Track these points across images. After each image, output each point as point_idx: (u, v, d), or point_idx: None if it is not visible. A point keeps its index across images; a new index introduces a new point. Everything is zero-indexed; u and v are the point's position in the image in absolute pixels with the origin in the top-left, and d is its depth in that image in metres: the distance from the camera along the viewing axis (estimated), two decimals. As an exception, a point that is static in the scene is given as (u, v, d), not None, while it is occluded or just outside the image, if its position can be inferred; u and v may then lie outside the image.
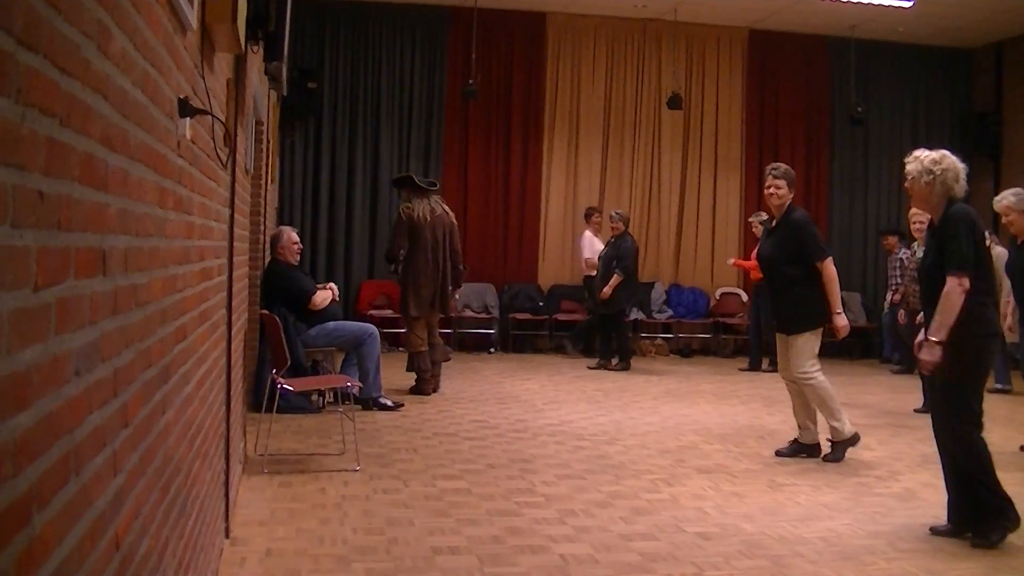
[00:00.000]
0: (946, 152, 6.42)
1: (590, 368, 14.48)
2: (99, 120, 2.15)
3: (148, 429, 2.88)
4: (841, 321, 8.54)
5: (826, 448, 8.61)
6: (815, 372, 8.49)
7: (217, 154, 4.07)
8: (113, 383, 2.37)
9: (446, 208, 11.63)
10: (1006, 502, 6.21)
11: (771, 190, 8.75)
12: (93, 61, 2.08)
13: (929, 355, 6.09)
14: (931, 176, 6.28)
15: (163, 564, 3.16)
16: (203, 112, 3.53)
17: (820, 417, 8.67)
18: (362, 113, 16.40)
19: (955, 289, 6.06)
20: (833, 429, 8.53)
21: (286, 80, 8.86)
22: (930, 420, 6.52)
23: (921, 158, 6.37)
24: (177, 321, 3.50)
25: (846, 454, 8.55)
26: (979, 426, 6.23)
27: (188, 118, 3.44)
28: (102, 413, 2.24)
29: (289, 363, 8.12)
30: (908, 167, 6.40)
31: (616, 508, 6.85)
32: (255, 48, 6.24)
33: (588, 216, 15.95)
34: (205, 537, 4.55)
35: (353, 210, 16.28)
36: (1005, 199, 8.72)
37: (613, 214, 14.86)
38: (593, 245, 15.44)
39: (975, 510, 6.25)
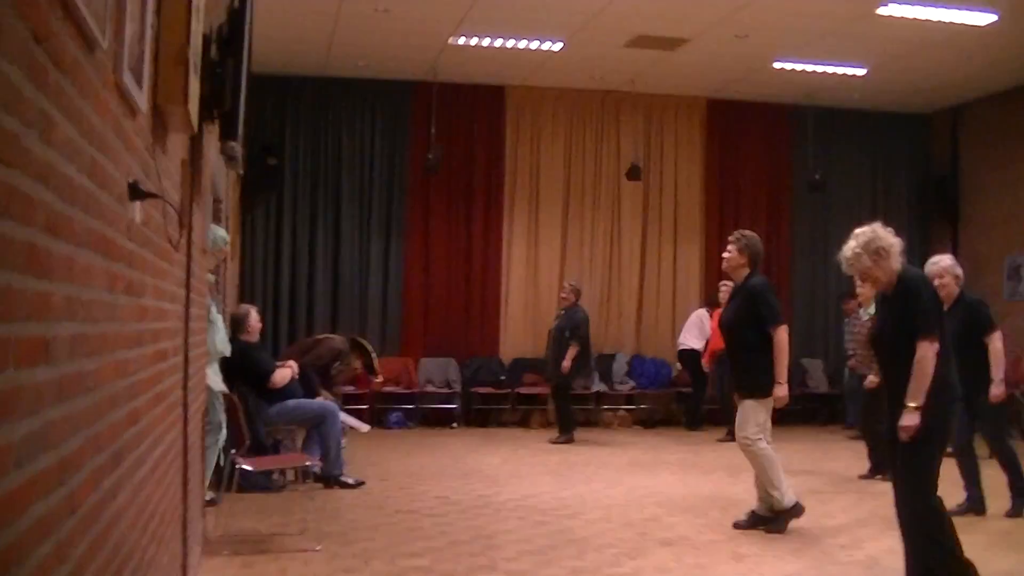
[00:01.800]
0: (875, 225, 6.51)
1: (552, 442, 14.42)
2: (42, 208, 2.15)
3: (97, 516, 2.85)
4: (780, 392, 8.51)
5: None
6: (757, 439, 8.47)
7: (168, 236, 4.06)
8: (59, 471, 2.34)
9: None
10: (968, 568, 6.22)
11: (724, 255, 8.92)
12: (34, 150, 2.08)
13: (910, 420, 6.12)
14: (876, 255, 6.35)
15: (114, 653, 3.11)
16: (153, 196, 3.53)
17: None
18: (323, 188, 16.41)
19: (928, 353, 6.14)
20: (772, 498, 8.50)
21: (244, 158, 8.86)
22: (891, 487, 6.52)
23: (851, 244, 6.46)
24: (129, 405, 3.47)
25: (788, 525, 8.47)
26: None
27: (139, 201, 3.44)
28: (47, 502, 2.21)
29: (249, 442, 8.06)
30: (848, 254, 6.46)
31: (579, 583, 6.81)
32: (210, 127, 6.25)
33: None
34: (161, 623, 4.49)
35: (315, 285, 16.25)
36: (943, 262, 8.80)
37: (566, 285, 14.91)
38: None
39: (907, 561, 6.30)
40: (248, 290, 15.75)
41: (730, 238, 8.91)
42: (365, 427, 11.80)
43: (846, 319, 14.87)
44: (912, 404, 6.11)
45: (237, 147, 6.03)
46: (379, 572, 7.02)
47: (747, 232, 9.02)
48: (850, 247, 6.43)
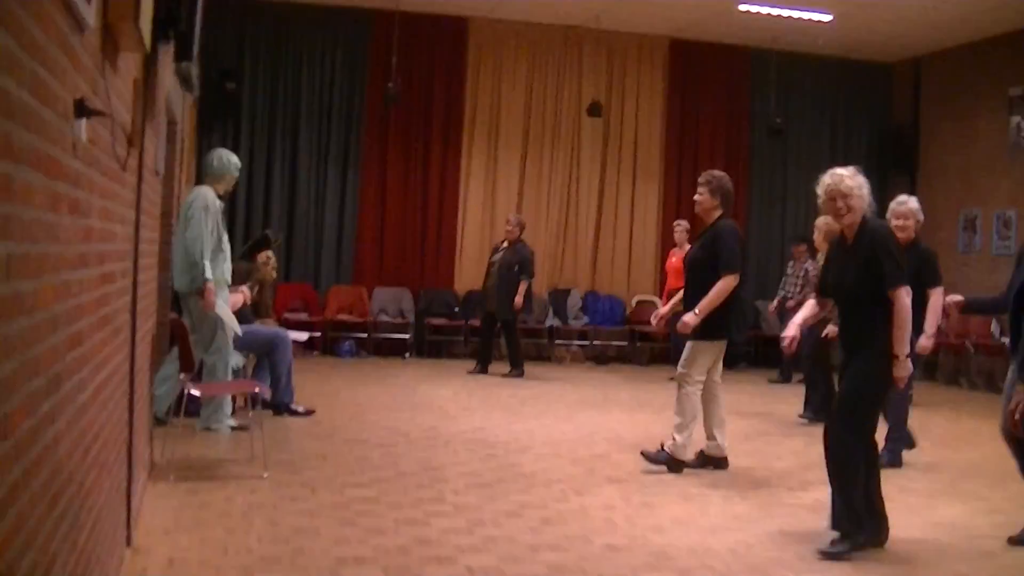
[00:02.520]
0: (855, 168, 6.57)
1: (470, 373, 14.49)
2: (-24, 123, 2.07)
3: (33, 441, 2.79)
4: (692, 319, 8.41)
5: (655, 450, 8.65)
6: (697, 380, 8.51)
7: (116, 156, 3.96)
8: (-10, 394, 2.28)
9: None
10: (863, 513, 6.30)
11: (695, 197, 8.81)
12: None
13: (904, 369, 6.19)
14: (861, 191, 6.38)
15: (51, 578, 3.07)
16: (101, 113, 3.44)
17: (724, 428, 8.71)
18: (281, 115, 16.24)
19: (906, 302, 6.21)
20: (673, 442, 8.50)
21: (200, 80, 8.74)
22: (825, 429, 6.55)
23: (846, 175, 6.44)
24: (71, 328, 3.41)
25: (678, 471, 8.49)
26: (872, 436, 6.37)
27: (84, 119, 3.35)
28: (-24, 426, 2.15)
29: (197, 368, 7.99)
30: (845, 183, 6.41)
31: (525, 518, 6.82)
32: (165, 48, 6.13)
33: None
34: (102, 547, 4.45)
35: (271, 213, 16.10)
36: (911, 203, 8.78)
37: (510, 218, 14.81)
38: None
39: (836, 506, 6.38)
40: (203, 215, 15.55)
41: (700, 180, 8.78)
42: (302, 336, 11.64)
43: (790, 262, 14.92)
44: (903, 353, 6.15)
45: (192, 68, 5.91)
46: (325, 502, 7.00)
47: (716, 173, 8.89)
48: (845, 173, 6.43)
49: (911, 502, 7.58)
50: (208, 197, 9.23)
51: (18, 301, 2.55)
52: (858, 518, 6.26)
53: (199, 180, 15.07)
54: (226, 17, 15.29)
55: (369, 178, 16.53)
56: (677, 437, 8.47)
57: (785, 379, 14.85)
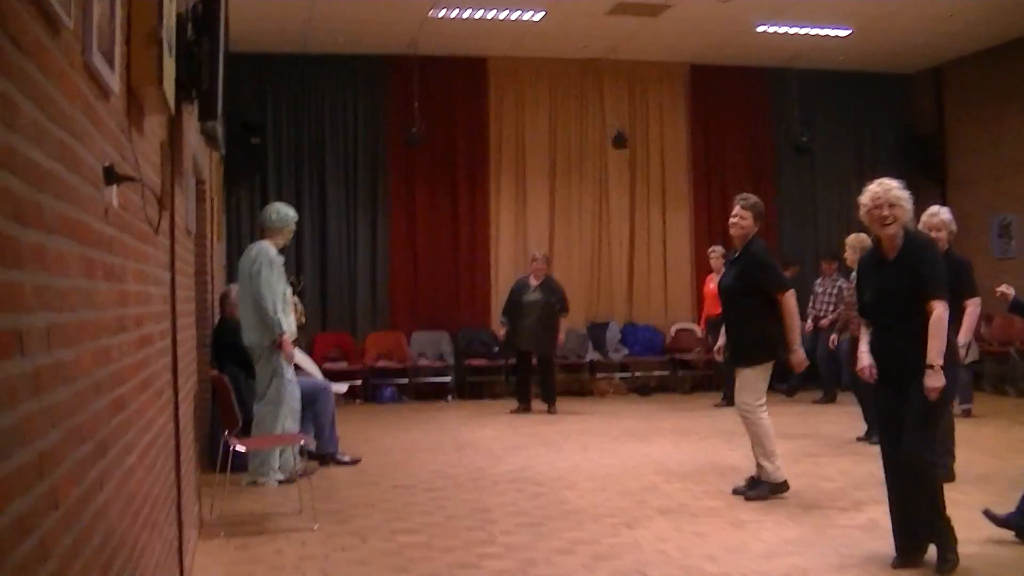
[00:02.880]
0: None
1: (514, 412, 14.46)
2: (7, 196, 2.08)
3: (83, 508, 2.79)
4: (798, 357, 8.51)
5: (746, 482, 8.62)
6: (758, 407, 8.44)
7: (148, 219, 3.99)
8: (38, 466, 2.28)
9: None
10: (949, 526, 6.23)
11: (735, 219, 8.62)
12: (-3, 135, 2.02)
13: (937, 381, 6.09)
14: (908, 203, 6.36)
15: (106, 645, 3.06)
16: (130, 179, 3.46)
17: (779, 453, 8.62)
18: (307, 165, 16.33)
19: (944, 314, 6.16)
20: (762, 469, 8.47)
21: (225, 137, 8.77)
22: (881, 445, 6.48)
23: (895, 185, 6.40)
24: (114, 392, 3.41)
25: (769, 497, 8.40)
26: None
27: (115, 185, 3.36)
28: (27, 499, 2.15)
29: (241, 423, 8.00)
30: (894, 192, 6.36)
31: (578, 555, 6.77)
32: (189, 108, 6.17)
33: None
34: (156, 610, 4.44)
35: (303, 262, 16.15)
36: (943, 214, 8.71)
37: (537, 255, 14.74)
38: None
39: (931, 534, 6.25)
40: (236, 271, 15.60)
41: (738, 202, 8.67)
42: (342, 387, 11.55)
43: (819, 279, 14.87)
44: (938, 363, 6.08)
45: (217, 127, 5.95)
46: (376, 549, 6.98)
47: (750, 195, 8.86)
48: (894, 184, 6.39)
49: (965, 516, 7.48)
50: (270, 252, 9.38)
51: (59, 370, 2.55)
52: (950, 530, 6.22)
53: (230, 236, 15.31)
54: (246, 72, 15.39)
55: (398, 222, 16.57)
56: (768, 464, 8.44)
57: (829, 399, 14.74)
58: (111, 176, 3.32)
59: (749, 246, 8.62)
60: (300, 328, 10.88)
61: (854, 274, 10.17)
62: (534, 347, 14.39)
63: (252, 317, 9.31)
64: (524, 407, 14.55)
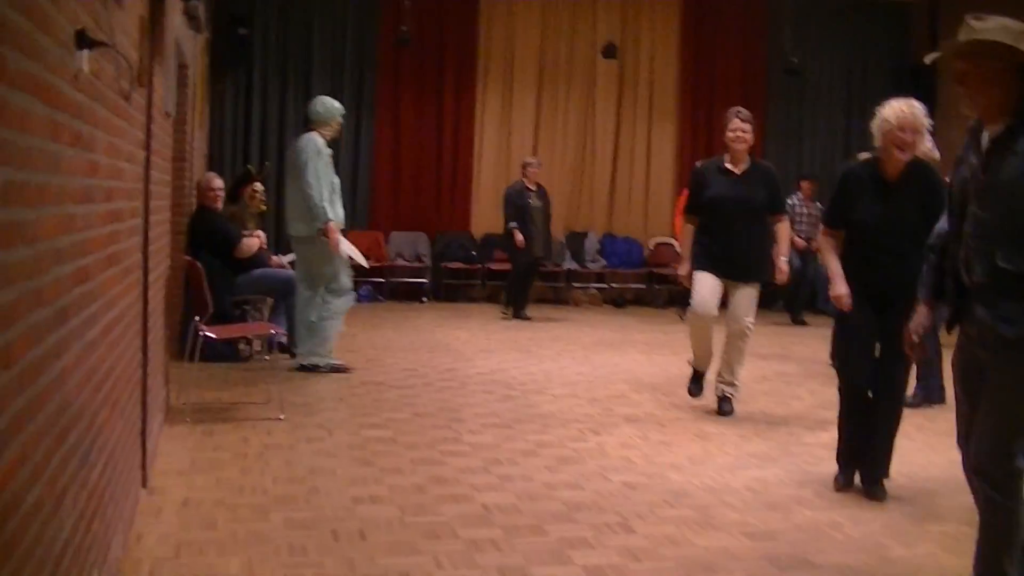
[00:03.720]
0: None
1: (506, 318, 14.45)
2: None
3: (38, 373, 2.75)
4: (783, 276, 8.45)
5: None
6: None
7: (120, 90, 3.91)
8: (-10, 321, 2.24)
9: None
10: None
11: (738, 133, 8.29)
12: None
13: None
14: (923, 126, 6.21)
15: (60, 513, 3.05)
16: (103, 44, 3.38)
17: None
18: (294, 59, 16.12)
19: None
20: (735, 377, 8.51)
21: (212, 25, 8.65)
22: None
23: (922, 109, 6.23)
24: (77, 262, 3.37)
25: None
26: None
27: (86, 50, 3.29)
28: (-26, 352, 2.11)
29: (212, 310, 7.96)
30: (920, 118, 6.18)
31: (542, 457, 6.80)
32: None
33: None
34: (116, 487, 4.43)
35: (284, 157, 15.99)
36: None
37: (534, 161, 14.65)
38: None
39: (884, 459, 6.30)
40: (217, 161, 15.52)
41: (739, 115, 8.35)
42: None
43: (797, 199, 14.91)
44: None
45: (199, 7, 5.83)
46: (342, 442, 6.99)
47: (742, 108, 8.72)
48: (920, 108, 6.20)
49: (932, 441, 7.56)
50: (318, 142, 9.49)
51: (17, 229, 2.50)
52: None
53: (213, 126, 15.17)
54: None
55: (383, 123, 16.44)
56: (738, 382, 8.52)
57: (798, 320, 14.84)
58: (83, 40, 3.24)
59: (759, 162, 8.56)
60: (260, 215, 10.88)
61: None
62: (543, 252, 14.40)
63: (297, 208, 9.53)
64: (519, 312, 14.54)
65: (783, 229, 8.52)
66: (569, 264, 16.92)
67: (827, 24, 17.67)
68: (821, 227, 6.61)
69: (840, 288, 6.20)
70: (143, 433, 5.59)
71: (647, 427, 7.84)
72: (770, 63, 17.56)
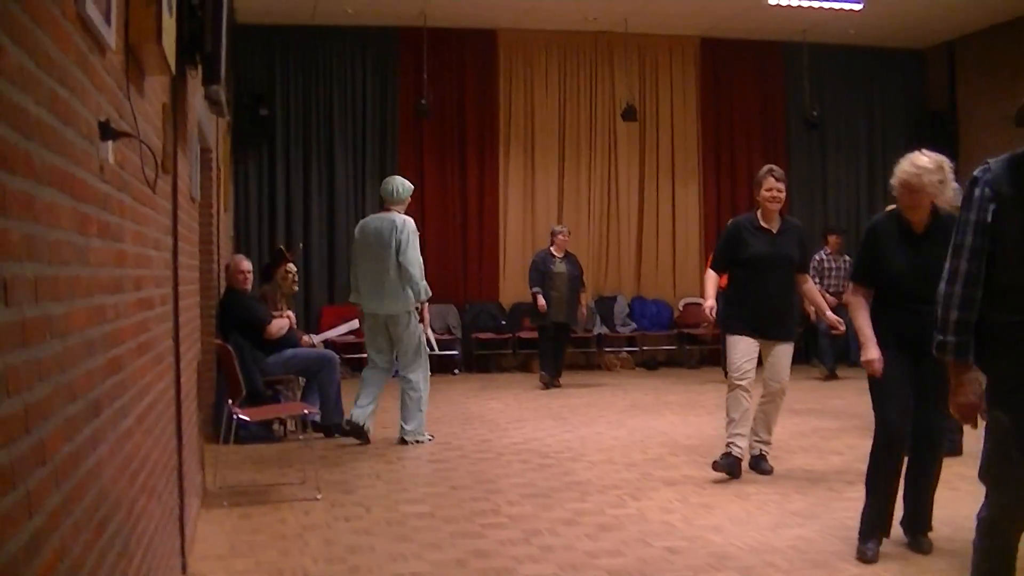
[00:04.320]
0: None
1: (545, 387, 14.32)
2: (-10, 140, 2.02)
3: (74, 467, 2.74)
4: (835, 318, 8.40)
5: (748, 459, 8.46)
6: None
7: (146, 178, 3.93)
8: (23, 418, 2.23)
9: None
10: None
11: (774, 192, 8.28)
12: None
13: None
14: (940, 185, 6.13)
15: (100, 607, 3.02)
16: (127, 135, 3.40)
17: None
18: (315, 136, 16.25)
19: None
20: (766, 441, 8.47)
21: (233, 108, 8.74)
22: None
23: (928, 169, 6.16)
24: (108, 352, 3.36)
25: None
26: None
27: (111, 141, 3.30)
28: (9, 451, 2.10)
29: (245, 392, 7.97)
30: (926, 178, 6.11)
31: (582, 526, 6.74)
32: (193, 72, 6.11)
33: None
34: (156, 575, 4.40)
35: (310, 235, 16.12)
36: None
37: (563, 229, 14.68)
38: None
39: (926, 508, 6.23)
40: (244, 242, 15.63)
41: (774, 174, 8.34)
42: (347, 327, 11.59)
43: (825, 253, 14.87)
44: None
45: (221, 91, 5.89)
46: (380, 519, 6.94)
47: (775, 166, 8.72)
48: (917, 165, 6.13)
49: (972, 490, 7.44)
50: (413, 223, 10.03)
51: (49, 324, 2.50)
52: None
53: (237, 207, 15.26)
54: (255, 43, 15.43)
55: (407, 195, 16.48)
56: (769, 437, 8.50)
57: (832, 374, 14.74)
58: (107, 132, 3.26)
59: (789, 219, 8.57)
60: (292, 296, 10.96)
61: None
62: (566, 318, 14.38)
63: (392, 285, 9.84)
64: (555, 382, 14.45)
65: (813, 287, 8.57)
66: (599, 328, 16.88)
67: (844, 75, 17.72)
68: (851, 285, 6.53)
69: (872, 352, 6.10)
70: (181, 519, 5.57)
71: (686, 490, 7.76)
72: (789, 117, 17.60)
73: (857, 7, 15.12)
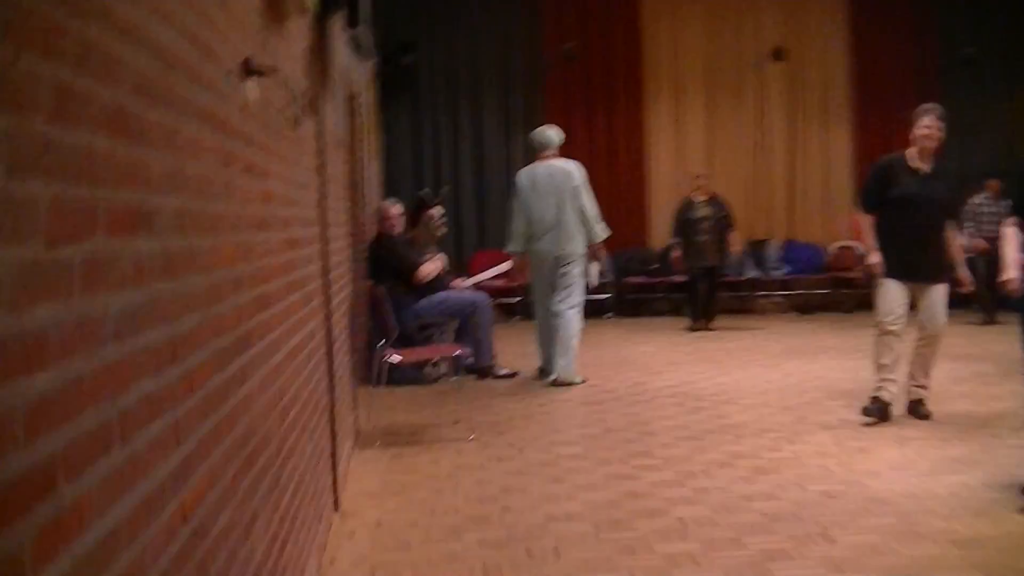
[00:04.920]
0: None
1: (693, 330, 14.25)
2: (129, 70, 2.02)
3: (223, 399, 2.77)
4: (968, 275, 8.23)
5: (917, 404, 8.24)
6: None
7: (290, 118, 3.94)
8: (171, 349, 2.25)
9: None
10: None
11: (932, 131, 7.99)
12: (116, 7, 1.95)
13: None
14: None
15: (251, 538, 3.06)
16: (269, 72, 3.40)
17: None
18: (462, 84, 16.25)
19: None
20: (928, 384, 8.22)
21: (378, 54, 8.74)
22: None
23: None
24: (258, 289, 3.39)
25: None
26: None
27: (254, 79, 3.31)
28: (157, 380, 2.12)
29: (396, 334, 8.03)
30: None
31: (736, 468, 6.65)
32: (337, 17, 6.11)
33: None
34: (308, 510, 4.47)
35: (461, 181, 16.17)
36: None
37: (701, 172, 14.55)
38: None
39: None
40: (394, 189, 15.74)
41: (932, 112, 8.08)
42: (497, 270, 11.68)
43: (983, 196, 14.30)
44: None
45: (365, 34, 5.88)
46: (532, 460, 6.95)
47: (934, 104, 8.42)
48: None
49: None
50: (583, 169, 10.48)
51: (193, 257, 2.51)
52: None
53: (388, 155, 15.38)
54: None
55: (555, 138, 16.39)
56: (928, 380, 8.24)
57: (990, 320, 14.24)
58: (249, 69, 3.27)
59: (943, 162, 8.29)
60: (440, 240, 11.07)
61: None
62: (713, 262, 14.27)
63: (573, 227, 10.19)
64: (703, 324, 14.36)
65: (956, 238, 8.23)
66: (752, 273, 16.63)
67: (1000, 8, 16.95)
68: (1007, 219, 6.33)
69: (1010, 272, 6.15)
70: (333, 457, 5.64)
71: (843, 434, 7.60)
72: (943, 55, 16.95)
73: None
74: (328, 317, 5.67)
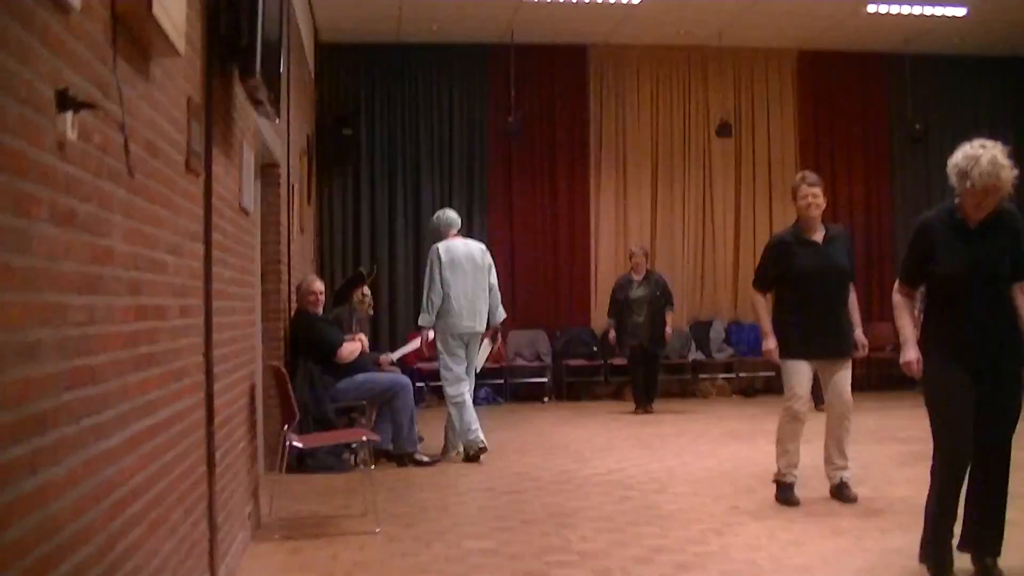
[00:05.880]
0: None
1: (636, 413, 13.86)
2: None
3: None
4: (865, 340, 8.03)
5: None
6: None
7: (128, 165, 3.44)
8: None
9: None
10: None
11: (814, 200, 7.84)
12: None
13: None
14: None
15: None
16: (90, 106, 2.92)
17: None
18: (401, 157, 15.88)
19: None
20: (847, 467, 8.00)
21: (317, 130, 8.37)
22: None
23: (1006, 165, 5.64)
24: (72, 360, 2.89)
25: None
26: None
27: (70, 113, 2.83)
28: None
29: (297, 418, 7.50)
30: (1004, 174, 5.59)
31: (658, 564, 6.14)
32: (234, 71, 5.67)
33: None
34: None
35: (396, 259, 15.74)
36: None
37: (636, 250, 14.25)
38: None
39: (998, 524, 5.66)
40: (328, 266, 15.32)
41: (810, 180, 7.97)
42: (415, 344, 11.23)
43: None
44: None
45: (260, 87, 5.43)
46: (438, 555, 6.42)
47: (808, 172, 8.34)
48: (1004, 152, 5.61)
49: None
50: None
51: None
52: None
53: (321, 229, 14.95)
54: (339, 63, 15.19)
55: (495, 216, 16.04)
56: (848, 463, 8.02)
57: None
58: (66, 102, 2.80)
59: (832, 226, 8.11)
60: (368, 319, 10.82)
61: None
62: (648, 344, 13.85)
63: (485, 304, 10.36)
64: (645, 408, 14.00)
65: (855, 300, 8.02)
66: (694, 354, 16.24)
67: (949, 86, 16.83)
68: (896, 284, 6.03)
69: (910, 353, 5.72)
70: (211, 554, 5.10)
71: (775, 525, 7.12)
72: (893, 131, 16.83)
73: (961, 12, 14.39)
74: (210, 397, 5.15)
